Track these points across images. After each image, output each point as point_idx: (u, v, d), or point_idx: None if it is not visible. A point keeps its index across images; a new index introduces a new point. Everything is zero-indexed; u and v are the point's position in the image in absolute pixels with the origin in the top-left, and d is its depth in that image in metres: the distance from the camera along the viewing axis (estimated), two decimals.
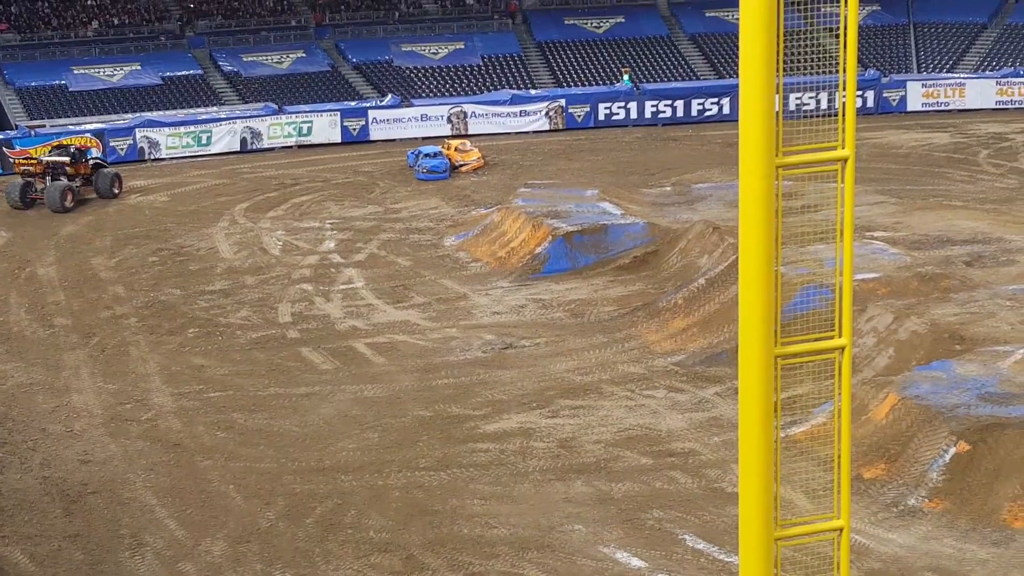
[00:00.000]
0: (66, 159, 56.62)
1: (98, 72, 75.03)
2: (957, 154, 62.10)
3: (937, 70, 79.46)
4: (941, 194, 52.73)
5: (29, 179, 55.99)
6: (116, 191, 57.41)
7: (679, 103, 71.89)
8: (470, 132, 68.66)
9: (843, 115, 12.74)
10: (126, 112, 70.80)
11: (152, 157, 65.46)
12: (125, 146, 64.88)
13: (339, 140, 68.29)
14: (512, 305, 40.42)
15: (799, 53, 12.98)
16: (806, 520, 13.97)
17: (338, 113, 68.88)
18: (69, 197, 55.21)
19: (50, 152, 57.57)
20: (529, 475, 28.24)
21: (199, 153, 66.25)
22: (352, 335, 38.47)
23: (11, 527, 26.69)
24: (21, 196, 55.51)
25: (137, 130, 65.75)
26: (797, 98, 13.16)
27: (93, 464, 29.80)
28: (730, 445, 28.54)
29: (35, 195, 55.67)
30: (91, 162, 57.90)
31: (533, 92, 74.23)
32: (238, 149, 66.76)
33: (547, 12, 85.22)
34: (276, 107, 69.76)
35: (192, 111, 70.81)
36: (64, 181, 55.69)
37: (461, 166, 60.68)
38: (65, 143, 59.46)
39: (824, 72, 13.24)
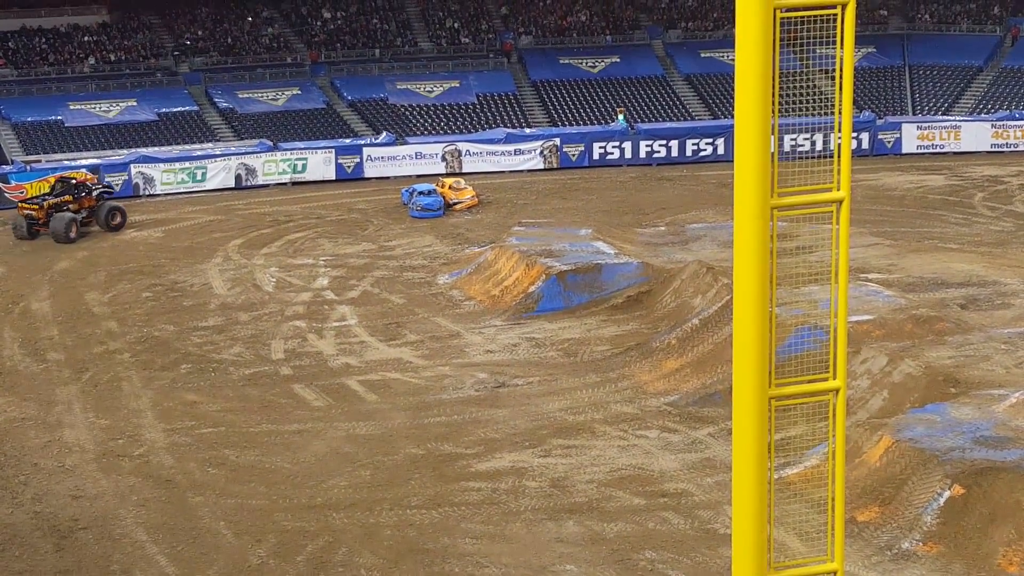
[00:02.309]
0: (68, 197, 57.48)
1: (94, 108, 75.17)
2: (952, 196, 62.20)
3: (932, 112, 79.71)
4: (936, 236, 52.77)
5: (32, 220, 56.94)
6: (114, 223, 57.78)
7: (674, 143, 71.97)
8: (464, 170, 68.74)
9: (838, 157, 12.74)
10: (121, 148, 70.94)
11: (147, 193, 65.48)
12: (120, 181, 64.82)
13: (333, 177, 68.31)
14: (505, 344, 40.37)
15: (795, 94, 12.99)
16: (800, 562, 13.91)
17: (333, 150, 68.91)
18: (73, 229, 56.35)
19: (54, 185, 58.36)
20: (521, 514, 28.15)
21: (194, 189, 66.27)
22: (345, 372, 38.41)
23: (1, 562, 26.56)
24: (28, 228, 56.65)
25: (132, 166, 65.78)
26: (792, 139, 13.16)
27: (84, 499, 29.69)
28: (723, 486, 28.46)
29: (39, 227, 56.81)
30: (95, 193, 58.64)
31: (528, 131, 74.34)
32: (233, 185, 66.81)
33: (542, 51, 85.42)
34: (271, 144, 69.81)
35: (187, 147, 71.00)
36: (69, 213, 56.63)
37: (455, 204, 60.75)
38: (70, 176, 59.58)
39: (819, 114, 13.25)
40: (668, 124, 76.43)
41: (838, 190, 12.82)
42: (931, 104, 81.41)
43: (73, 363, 40.00)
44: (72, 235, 56.09)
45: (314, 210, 61.66)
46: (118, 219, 58.28)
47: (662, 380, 36.10)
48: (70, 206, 57.29)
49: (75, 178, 59.25)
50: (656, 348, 37.99)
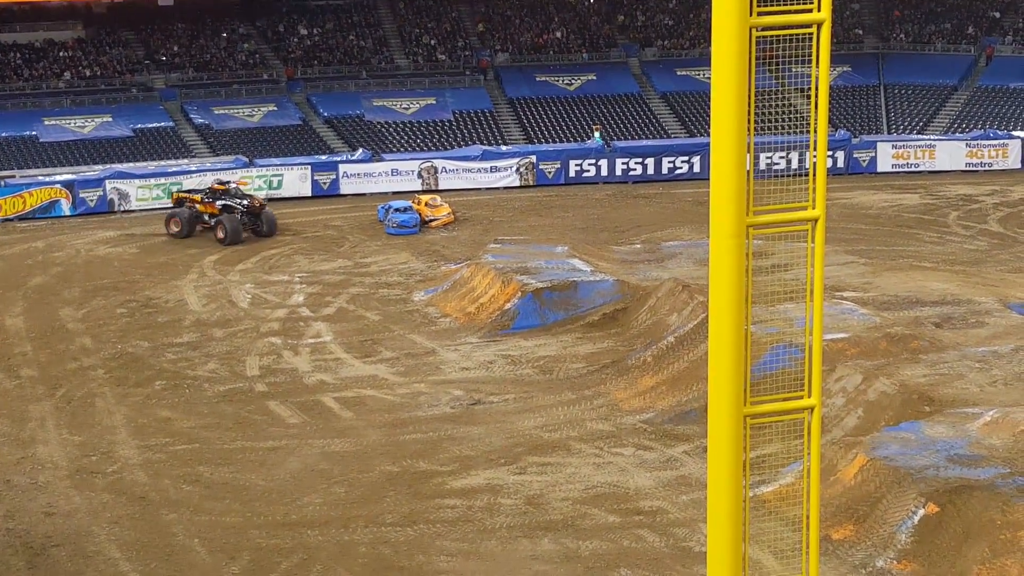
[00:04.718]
0: (197, 197, 60.48)
1: (69, 123, 74.99)
2: (927, 215, 62.37)
3: (907, 131, 79.99)
4: (911, 255, 52.91)
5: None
6: (217, 236, 58.92)
7: (650, 161, 72.00)
8: (441, 187, 68.66)
9: (814, 175, 12.77)
10: (96, 163, 70.72)
11: (122, 208, 65.27)
12: (95, 197, 64.69)
13: (309, 194, 68.20)
14: (481, 361, 40.34)
15: (770, 113, 13.02)
16: None
17: (309, 167, 68.81)
18: (169, 224, 60.19)
19: (207, 189, 61.24)
20: (496, 532, 28.10)
21: (169, 205, 65.93)
22: (320, 389, 38.33)
23: None
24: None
25: (107, 181, 65.54)
26: (768, 158, 13.19)
27: (57, 516, 29.55)
28: (698, 504, 28.45)
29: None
30: (219, 203, 59.76)
31: (504, 148, 74.34)
32: None
33: (519, 69, 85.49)
34: (247, 160, 69.68)
35: (163, 163, 70.79)
36: (175, 209, 60.69)
37: (431, 221, 60.73)
38: (218, 186, 61.60)
39: (795, 132, 13.28)
40: (644, 142, 76.44)
41: (813, 208, 12.85)
42: (906, 123, 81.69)
43: (47, 379, 39.84)
44: (171, 230, 59.84)
45: (289, 226, 61.55)
46: (220, 233, 58.89)
47: (638, 398, 36.09)
48: (197, 207, 60.09)
49: (210, 185, 61.79)
50: (632, 366, 37.99)
